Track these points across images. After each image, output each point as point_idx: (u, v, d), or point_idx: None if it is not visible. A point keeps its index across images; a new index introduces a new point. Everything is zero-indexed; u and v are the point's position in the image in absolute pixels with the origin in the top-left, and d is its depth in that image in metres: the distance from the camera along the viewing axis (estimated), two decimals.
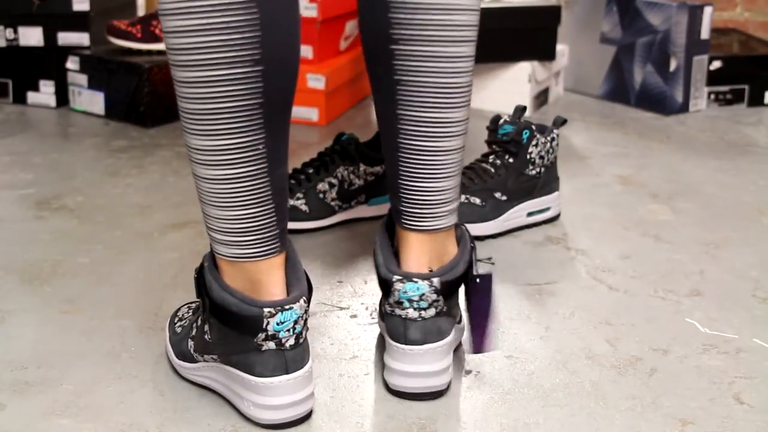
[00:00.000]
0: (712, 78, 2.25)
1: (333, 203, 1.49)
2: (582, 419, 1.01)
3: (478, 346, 1.08)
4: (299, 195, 1.47)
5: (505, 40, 2.14)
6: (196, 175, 0.95)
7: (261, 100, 0.91)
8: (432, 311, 1.02)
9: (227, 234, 0.96)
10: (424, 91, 0.99)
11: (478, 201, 1.47)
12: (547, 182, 1.53)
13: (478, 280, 1.07)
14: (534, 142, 1.50)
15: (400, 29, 0.98)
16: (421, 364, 1.02)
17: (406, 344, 1.02)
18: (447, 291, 1.03)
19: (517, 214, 1.51)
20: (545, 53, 2.18)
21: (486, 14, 2.10)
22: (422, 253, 1.05)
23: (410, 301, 1.01)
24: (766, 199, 1.69)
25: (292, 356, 0.96)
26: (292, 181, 1.49)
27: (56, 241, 1.44)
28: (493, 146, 1.51)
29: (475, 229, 1.46)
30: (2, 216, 1.54)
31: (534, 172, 1.51)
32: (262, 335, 0.94)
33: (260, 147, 0.93)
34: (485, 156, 1.52)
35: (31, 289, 1.28)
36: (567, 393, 1.06)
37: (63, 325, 1.18)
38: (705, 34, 2.20)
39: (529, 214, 1.52)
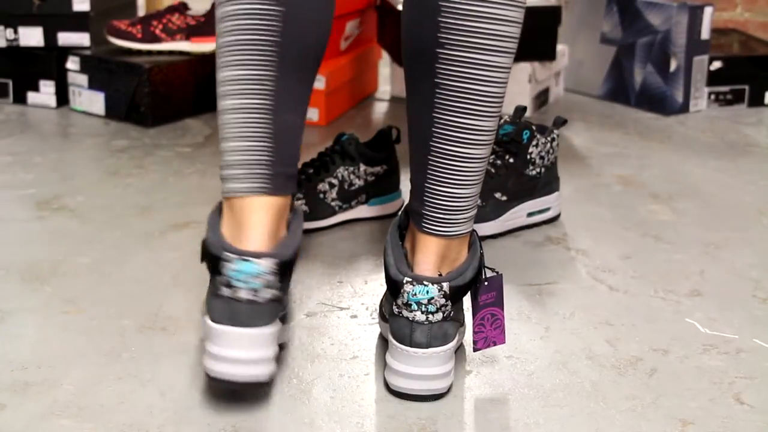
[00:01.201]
0: (713, 78, 2.25)
1: (333, 203, 1.49)
2: (582, 419, 1.01)
3: (490, 342, 1.09)
4: (299, 195, 1.47)
5: None
6: (218, 110, 1.03)
7: (277, 38, 0.99)
8: (439, 315, 1.02)
9: (225, 168, 1.01)
10: (463, 97, 1.00)
11: (478, 201, 1.47)
12: (547, 182, 1.53)
13: (486, 283, 1.08)
14: (534, 143, 1.50)
15: (448, 33, 0.99)
16: (424, 367, 1.02)
17: (411, 347, 1.02)
18: (455, 296, 1.03)
19: (518, 215, 1.51)
20: (545, 53, 2.18)
21: None
22: (437, 258, 1.05)
23: (419, 303, 1.01)
24: (766, 199, 1.69)
25: (246, 311, 0.96)
26: None
27: (56, 241, 1.44)
28: (494, 146, 1.51)
29: (476, 229, 1.46)
30: (2, 216, 1.54)
31: (534, 172, 1.51)
32: (219, 278, 0.97)
33: (267, 83, 1.00)
34: None
35: (31, 289, 1.28)
36: (567, 393, 1.06)
37: (63, 325, 1.18)
38: (705, 34, 2.20)
39: (530, 215, 1.52)
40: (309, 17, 1.02)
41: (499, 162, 1.50)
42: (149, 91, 2.02)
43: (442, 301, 1.02)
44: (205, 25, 2.14)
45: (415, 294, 1.01)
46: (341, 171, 1.49)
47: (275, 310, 1.00)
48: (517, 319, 1.23)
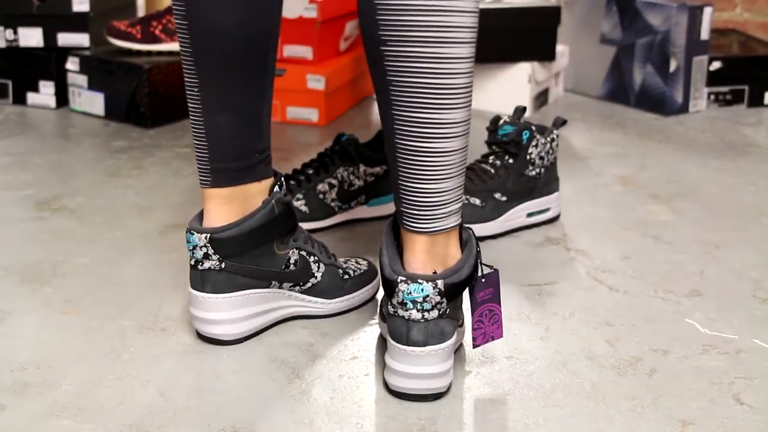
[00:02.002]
0: (712, 78, 2.25)
1: (333, 204, 1.49)
2: (582, 420, 1.01)
3: (488, 337, 1.09)
4: (299, 195, 1.47)
5: (505, 40, 2.14)
6: None
7: (191, 49, 1.09)
8: (435, 313, 1.02)
9: None
10: (415, 92, 0.99)
11: (478, 202, 1.47)
12: (547, 183, 1.53)
13: (483, 280, 1.07)
14: (534, 143, 1.50)
15: (387, 30, 0.98)
16: (422, 365, 1.02)
17: (407, 345, 1.02)
18: (451, 293, 1.03)
19: (517, 215, 1.51)
20: (545, 54, 2.18)
21: (486, 14, 2.10)
22: (425, 255, 1.05)
23: (414, 302, 1.01)
24: (766, 199, 1.69)
25: (201, 276, 1.12)
26: (292, 182, 1.49)
27: (56, 241, 1.44)
28: (493, 147, 1.51)
29: (475, 229, 1.46)
30: (2, 216, 1.54)
31: (534, 172, 1.51)
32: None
33: (195, 91, 1.11)
34: (485, 157, 1.52)
35: (31, 289, 1.28)
36: (567, 393, 1.06)
37: (63, 326, 1.18)
38: (705, 34, 2.20)
39: (529, 215, 1.52)
40: (210, 28, 1.08)
41: (498, 162, 1.50)
42: (149, 92, 2.02)
43: (437, 298, 1.02)
44: None
45: (410, 293, 1.01)
46: (341, 171, 1.49)
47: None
48: (517, 320, 1.23)
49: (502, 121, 1.51)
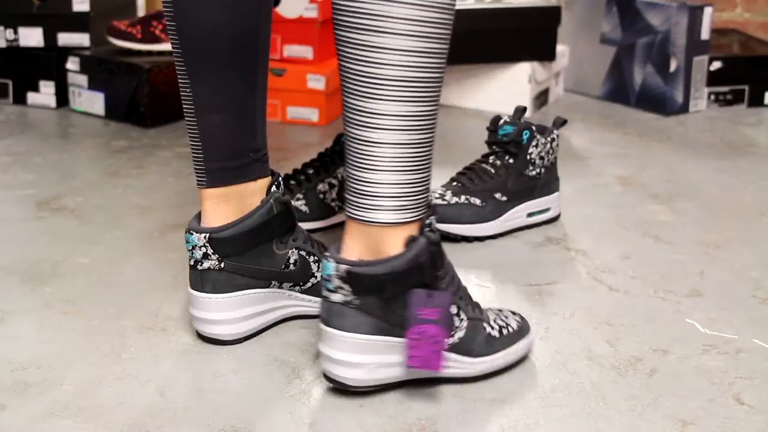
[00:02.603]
0: (712, 78, 2.25)
1: (333, 204, 1.49)
2: (582, 420, 1.01)
3: (426, 364, 1.02)
4: (299, 195, 1.47)
5: (505, 40, 2.14)
6: None
7: (180, 50, 1.10)
8: (338, 297, 1.01)
9: None
10: (353, 79, 0.98)
11: (478, 201, 1.47)
12: (547, 183, 1.53)
13: (429, 297, 1.01)
14: (534, 143, 1.50)
15: (340, 15, 0.98)
16: (328, 347, 1.03)
17: (320, 321, 1.04)
18: (358, 285, 1.00)
19: (518, 215, 1.51)
20: (545, 54, 2.18)
21: (486, 15, 2.10)
22: (358, 244, 1.03)
23: (323, 278, 1.02)
24: (766, 199, 1.69)
25: (200, 277, 1.12)
26: (292, 182, 1.49)
27: (56, 241, 1.44)
28: (493, 147, 1.51)
29: (475, 229, 1.46)
30: (2, 216, 1.54)
31: (534, 172, 1.51)
32: None
33: (187, 91, 1.11)
34: (485, 156, 1.52)
35: (31, 289, 1.28)
36: (567, 393, 1.06)
37: (63, 326, 1.18)
38: (705, 34, 2.20)
39: (530, 215, 1.52)
40: (198, 26, 1.09)
41: (499, 162, 1.50)
42: (149, 92, 2.02)
43: (338, 282, 1.00)
44: None
45: (324, 269, 1.02)
46: (341, 171, 1.49)
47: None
48: None
49: (502, 121, 1.50)
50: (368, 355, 1.03)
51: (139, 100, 2.03)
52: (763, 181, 1.78)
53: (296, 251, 1.17)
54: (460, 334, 1.05)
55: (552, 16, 2.16)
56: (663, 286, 1.33)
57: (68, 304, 1.24)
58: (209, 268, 1.12)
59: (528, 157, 1.50)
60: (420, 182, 1.01)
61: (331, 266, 1.01)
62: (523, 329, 1.12)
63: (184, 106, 1.12)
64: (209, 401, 1.03)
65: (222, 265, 1.12)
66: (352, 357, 1.02)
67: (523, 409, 1.03)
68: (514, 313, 1.14)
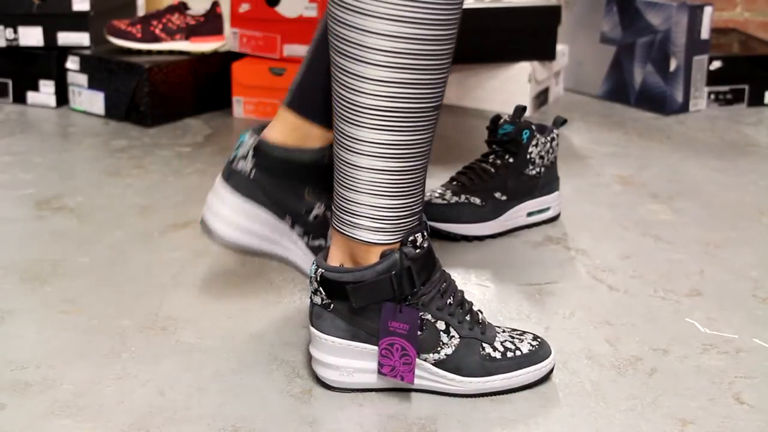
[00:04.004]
0: (712, 78, 2.25)
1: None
2: (582, 419, 1.01)
3: (398, 374, 1.03)
4: None
5: (505, 40, 2.14)
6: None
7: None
8: (317, 299, 1.04)
9: None
10: (337, 101, 1.00)
11: (478, 201, 1.47)
12: (547, 182, 1.53)
13: (400, 311, 1.01)
14: (534, 142, 1.49)
15: (329, 36, 0.99)
16: (312, 345, 1.06)
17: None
18: (329, 289, 1.02)
19: (517, 214, 1.51)
20: (545, 53, 2.18)
21: (486, 14, 2.10)
22: (336, 249, 1.05)
23: (309, 279, 1.05)
24: (766, 199, 1.68)
25: (229, 170, 1.14)
26: None
27: (56, 241, 1.44)
28: (493, 146, 1.51)
29: (475, 229, 1.46)
30: (2, 216, 1.54)
31: (534, 172, 1.51)
32: None
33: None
34: (485, 156, 1.52)
35: (31, 288, 1.28)
36: (567, 393, 1.06)
37: (63, 325, 1.18)
38: (705, 34, 2.20)
39: (529, 214, 1.52)
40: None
41: (498, 162, 1.50)
42: (149, 91, 2.02)
43: (315, 284, 1.03)
44: (205, 25, 2.14)
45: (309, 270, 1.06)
46: None
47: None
48: (517, 319, 1.23)
49: (502, 120, 1.50)
50: (343, 359, 1.04)
51: (138, 99, 2.03)
52: (763, 180, 1.78)
53: (323, 207, 1.17)
54: (447, 351, 1.04)
55: (552, 15, 2.15)
56: (663, 285, 1.33)
57: (68, 303, 1.24)
58: (241, 170, 1.13)
59: (528, 156, 1.50)
60: (402, 208, 1.01)
61: (312, 268, 1.03)
62: (535, 355, 1.07)
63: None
64: (209, 401, 1.03)
65: (253, 174, 1.13)
66: (329, 358, 1.04)
67: (524, 409, 1.03)
68: (536, 338, 1.09)
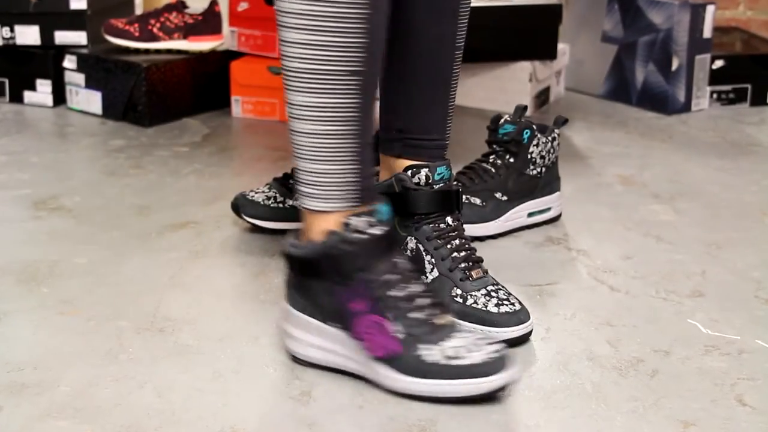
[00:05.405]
0: (715, 77, 2.24)
1: None
2: (583, 421, 1.00)
3: (389, 351, 1.03)
4: (297, 197, 1.46)
5: (506, 39, 2.14)
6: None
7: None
8: (287, 270, 1.10)
9: None
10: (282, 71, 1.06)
11: (478, 201, 1.46)
12: (548, 182, 1.53)
13: (343, 292, 1.04)
14: (535, 142, 1.49)
15: None
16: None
17: None
18: (287, 264, 1.09)
19: (518, 215, 1.50)
20: (546, 52, 2.17)
21: (486, 13, 2.09)
22: (303, 224, 1.10)
23: None
24: None
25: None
26: (292, 182, 1.48)
27: (53, 241, 1.43)
28: (494, 146, 1.51)
29: (476, 229, 1.45)
30: None
31: (535, 172, 1.50)
32: None
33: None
34: (486, 156, 1.52)
35: (27, 289, 1.27)
36: (568, 394, 1.05)
37: (60, 326, 1.18)
38: (707, 32, 2.19)
39: (530, 215, 1.52)
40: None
41: (499, 162, 1.49)
42: (147, 91, 2.01)
43: (282, 257, 1.09)
44: (203, 24, 2.13)
45: None
46: None
47: None
48: None
49: (502, 120, 1.50)
50: (299, 331, 1.09)
51: (136, 98, 2.02)
52: (765, 180, 1.77)
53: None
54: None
55: (553, 14, 2.15)
56: (664, 286, 1.32)
57: (65, 304, 1.23)
58: None
59: (529, 156, 1.49)
60: (336, 173, 1.04)
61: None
62: (489, 367, 1.01)
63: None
64: (208, 402, 1.02)
65: None
66: (288, 327, 1.10)
67: (524, 410, 1.02)
68: (498, 351, 1.02)
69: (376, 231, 1.04)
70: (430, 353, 1.02)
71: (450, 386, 1.01)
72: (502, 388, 1.02)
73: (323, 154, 1.03)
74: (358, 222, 1.04)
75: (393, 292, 1.04)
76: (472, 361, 1.01)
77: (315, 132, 1.03)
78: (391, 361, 1.03)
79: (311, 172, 1.04)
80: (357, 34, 1.00)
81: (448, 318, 1.07)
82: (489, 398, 1.04)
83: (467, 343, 1.03)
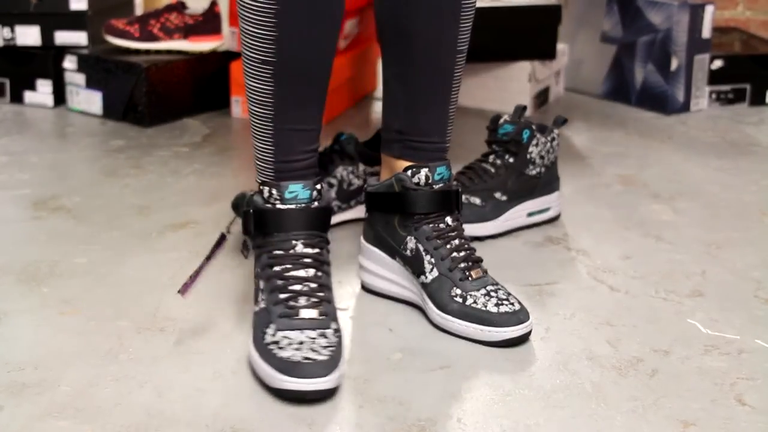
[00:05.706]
0: (714, 77, 2.25)
1: (332, 204, 1.48)
2: (583, 421, 1.00)
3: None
4: None
5: (505, 39, 2.14)
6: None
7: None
8: None
9: None
10: None
11: (478, 201, 1.46)
12: (547, 182, 1.53)
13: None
14: (534, 142, 1.49)
15: None
16: None
17: None
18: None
19: (518, 215, 1.50)
20: (546, 52, 2.17)
21: (486, 13, 2.09)
22: None
23: None
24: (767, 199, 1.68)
25: None
26: None
27: (53, 241, 1.43)
28: (493, 146, 1.51)
29: (475, 229, 1.45)
30: None
31: (534, 171, 1.50)
32: None
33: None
34: (485, 156, 1.52)
35: (28, 289, 1.27)
36: (568, 394, 1.05)
37: (60, 326, 1.18)
38: (706, 33, 2.19)
39: (530, 215, 1.52)
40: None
41: (499, 162, 1.49)
42: (147, 91, 2.01)
43: None
44: (203, 24, 2.13)
45: None
46: (340, 171, 1.48)
47: None
48: None
49: (502, 120, 1.50)
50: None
51: (136, 99, 2.02)
52: (765, 180, 1.78)
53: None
54: (257, 309, 1.12)
55: (552, 14, 2.15)
56: (664, 286, 1.32)
57: (65, 304, 1.23)
58: None
59: (528, 156, 1.49)
60: (257, 150, 1.17)
61: None
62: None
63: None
64: (208, 402, 1.02)
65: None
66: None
67: (524, 410, 1.02)
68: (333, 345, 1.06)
69: (281, 206, 1.13)
70: (267, 335, 1.07)
71: (264, 370, 1.05)
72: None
73: (253, 131, 1.17)
74: (267, 194, 1.15)
75: (267, 270, 1.14)
76: (316, 358, 1.04)
77: (249, 110, 1.17)
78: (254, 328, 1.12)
79: (252, 145, 1.19)
80: (266, 27, 1.11)
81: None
82: (488, 400, 1.04)
83: (324, 336, 1.07)
